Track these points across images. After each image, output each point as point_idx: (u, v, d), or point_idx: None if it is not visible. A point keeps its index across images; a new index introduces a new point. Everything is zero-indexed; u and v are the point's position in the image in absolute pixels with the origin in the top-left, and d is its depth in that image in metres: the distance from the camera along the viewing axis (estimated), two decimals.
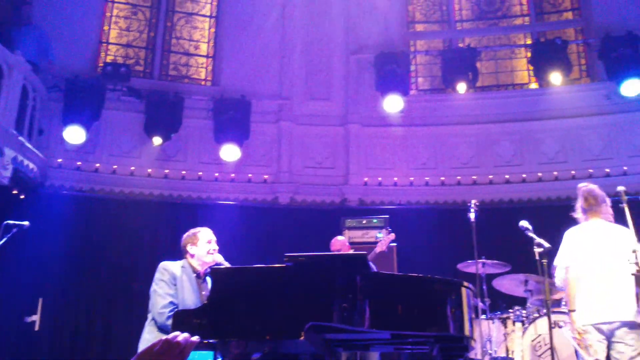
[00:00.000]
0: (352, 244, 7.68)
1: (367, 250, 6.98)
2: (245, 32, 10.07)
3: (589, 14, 10.08)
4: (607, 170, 9.13)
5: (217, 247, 4.71)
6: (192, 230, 4.76)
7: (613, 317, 4.44)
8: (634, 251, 4.16)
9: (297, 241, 8.44)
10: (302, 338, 3.52)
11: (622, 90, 8.98)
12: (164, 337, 1.60)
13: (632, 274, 4.14)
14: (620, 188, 4.35)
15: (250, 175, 9.60)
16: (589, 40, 9.81)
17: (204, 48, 10.50)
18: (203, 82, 10.33)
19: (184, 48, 10.44)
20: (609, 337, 4.43)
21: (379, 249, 7.03)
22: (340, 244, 6.95)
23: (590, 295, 4.53)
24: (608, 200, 4.72)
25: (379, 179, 9.73)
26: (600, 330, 4.46)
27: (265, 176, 9.64)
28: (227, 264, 4.76)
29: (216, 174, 9.49)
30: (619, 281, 4.43)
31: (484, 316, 6.28)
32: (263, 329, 3.64)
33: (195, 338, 1.67)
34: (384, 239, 7.21)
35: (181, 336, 1.62)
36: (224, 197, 9.43)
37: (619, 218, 4.48)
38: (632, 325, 4.36)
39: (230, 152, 9.22)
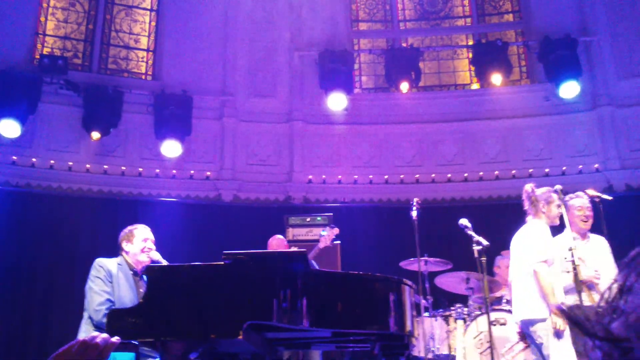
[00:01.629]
0: (296, 241, 7.63)
1: (310, 248, 6.94)
2: (187, 26, 9.87)
3: (529, 16, 10.31)
4: (547, 170, 9.35)
5: (153, 247, 4.59)
6: (129, 227, 4.65)
7: (516, 316, 4.70)
8: (570, 249, 4.26)
9: (240, 239, 8.32)
10: (240, 337, 3.45)
11: (561, 92, 9.22)
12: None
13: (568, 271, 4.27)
14: (558, 187, 4.44)
15: (192, 172, 9.42)
16: (529, 42, 10.03)
17: (144, 42, 10.24)
18: (143, 77, 10.08)
19: (124, 41, 10.15)
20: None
21: (322, 244, 6.98)
22: (277, 243, 6.82)
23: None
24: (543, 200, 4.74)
25: (323, 176, 9.71)
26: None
27: (208, 173, 9.48)
28: (164, 262, 4.64)
29: (157, 170, 9.27)
30: (518, 280, 4.62)
31: (426, 314, 6.32)
32: (200, 328, 3.56)
33: (115, 339, 1.58)
34: (327, 234, 7.16)
35: (100, 337, 1.53)
36: (165, 193, 9.23)
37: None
38: (532, 322, 4.50)
39: (171, 148, 9.02)
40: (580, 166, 9.29)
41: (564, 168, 9.33)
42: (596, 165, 9.25)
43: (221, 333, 3.56)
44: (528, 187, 4.69)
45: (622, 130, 9.35)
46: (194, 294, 3.62)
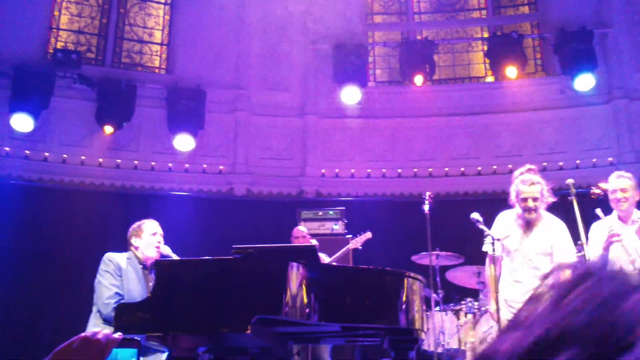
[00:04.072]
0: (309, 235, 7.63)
1: (322, 241, 6.96)
2: (201, 19, 9.87)
3: (544, 8, 10.18)
4: (561, 163, 9.25)
5: (161, 240, 4.60)
6: (137, 223, 4.67)
7: None
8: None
9: (252, 233, 8.33)
10: (249, 332, 3.45)
11: (576, 84, 9.11)
12: (108, 329, 1.50)
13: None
14: (569, 181, 4.38)
15: (205, 165, 9.43)
16: (545, 34, 9.92)
17: (158, 36, 10.27)
18: (157, 71, 10.10)
19: (138, 35, 10.18)
20: None
21: (352, 245, 7.04)
22: (300, 233, 6.90)
23: None
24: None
25: (336, 170, 9.68)
26: None
27: (221, 167, 9.49)
28: (174, 256, 4.66)
29: (170, 164, 9.30)
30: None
31: (437, 308, 6.30)
32: (209, 323, 3.56)
33: (118, 335, 1.57)
34: (360, 238, 7.21)
35: (101, 333, 1.52)
36: (177, 187, 9.26)
37: (568, 209, 4.50)
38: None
39: (184, 142, 9.04)
40: (594, 160, 9.18)
41: (578, 162, 9.23)
42: (610, 159, 9.13)
43: (230, 327, 3.56)
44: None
45: (637, 123, 9.23)
46: (203, 288, 3.62)
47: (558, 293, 0.59)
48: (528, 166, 4.61)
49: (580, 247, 4.35)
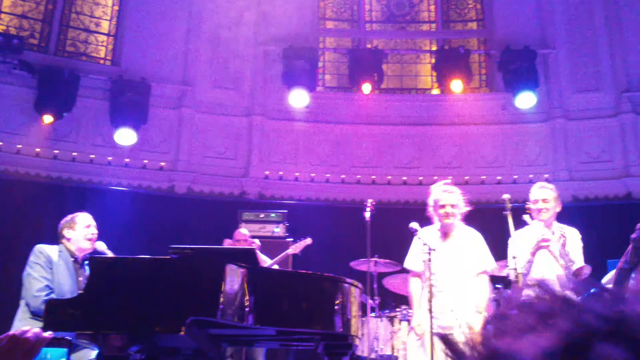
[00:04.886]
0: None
1: (262, 244, 6.93)
2: (150, 12, 9.69)
3: (492, 26, 10.45)
4: (499, 177, 9.51)
5: (96, 232, 4.51)
6: (69, 215, 4.56)
7: None
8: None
9: (192, 232, 8.24)
10: (182, 333, 3.41)
11: (517, 102, 9.39)
12: (36, 324, 1.45)
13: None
14: (505, 196, 4.51)
15: (145, 161, 9.26)
16: (490, 51, 10.19)
17: (105, 26, 10.02)
18: (102, 61, 9.86)
19: (84, 24, 9.91)
20: None
21: (292, 251, 7.01)
22: (242, 236, 6.82)
23: None
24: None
25: (280, 173, 9.67)
26: None
27: (162, 163, 9.34)
28: (110, 253, 4.57)
29: (109, 158, 9.09)
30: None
31: (372, 314, 6.37)
32: (142, 323, 3.51)
33: (48, 334, 1.53)
34: (300, 244, 7.18)
35: (31, 332, 1.48)
36: (116, 182, 9.05)
37: (503, 224, 4.63)
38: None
39: (125, 136, 8.85)
40: (531, 176, 9.46)
41: (515, 177, 9.50)
42: (546, 176, 9.42)
43: (163, 328, 3.51)
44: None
45: (572, 143, 9.59)
46: (138, 287, 3.56)
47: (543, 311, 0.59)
48: (444, 181, 4.92)
49: (514, 262, 4.47)
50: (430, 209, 4.89)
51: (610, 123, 9.59)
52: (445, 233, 4.83)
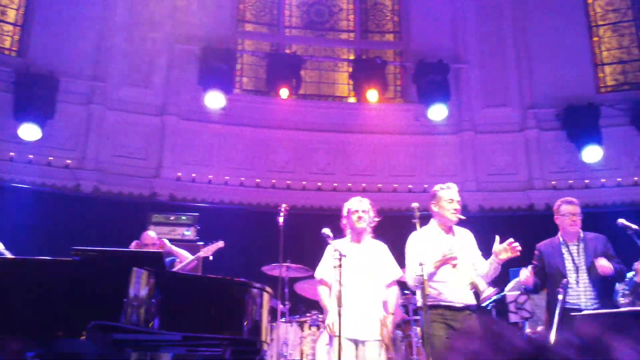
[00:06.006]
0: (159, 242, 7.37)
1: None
2: (62, 4, 9.29)
3: (408, 38, 10.72)
4: (410, 186, 9.74)
5: None
6: None
7: None
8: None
9: (98, 233, 7.93)
10: (83, 337, 3.27)
11: (430, 113, 9.67)
12: None
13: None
14: (414, 205, 4.59)
15: (51, 158, 8.86)
16: (406, 63, 10.44)
17: (12, 15, 9.53)
18: (7, 52, 9.37)
19: None
20: None
21: (203, 254, 6.83)
22: (150, 240, 6.56)
23: None
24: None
25: (193, 175, 9.50)
26: None
27: (68, 161, 8.96)
28: (8, 254, 4.33)
29: (12, 154, 8.64)
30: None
31: (282, 319, 6.35)
32: (40, 327, 3.34)
33: None
34: (211, 246, 7.00)
35: None
36: (18, 179, 8.60)
37: (413, 231, 4.72)
38: None
39: (30, 131, 8.46)
40: None
41: (425, 186, 9.73)
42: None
43: (64, 332, 3.35)
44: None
45: (480, 155, 9.98)
46: (37, 289, 3.39)
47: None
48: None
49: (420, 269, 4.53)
50: (344, 220, 5.09)
51: (516, 137, 10.05)
52: (357, 240, 5.02)
